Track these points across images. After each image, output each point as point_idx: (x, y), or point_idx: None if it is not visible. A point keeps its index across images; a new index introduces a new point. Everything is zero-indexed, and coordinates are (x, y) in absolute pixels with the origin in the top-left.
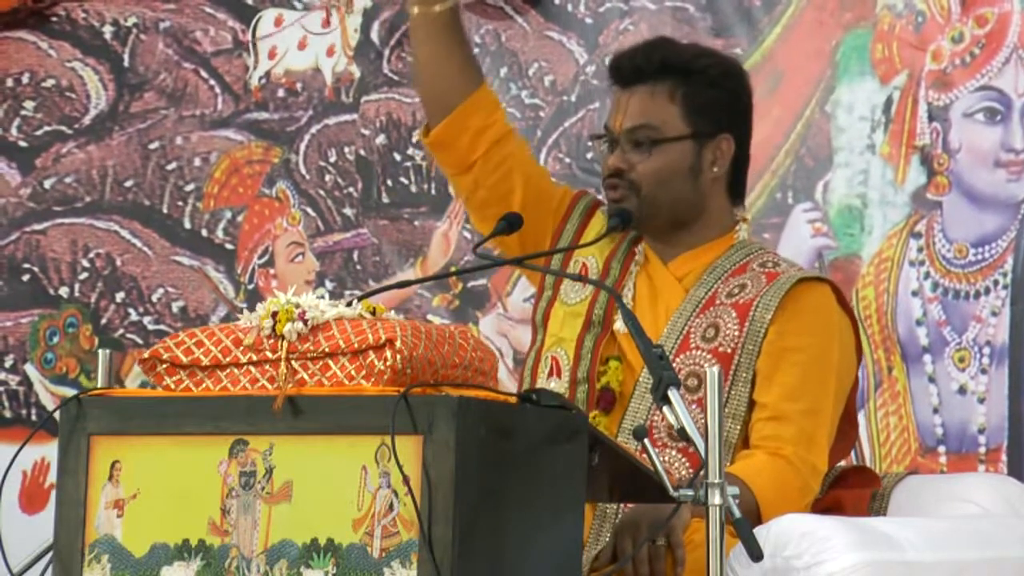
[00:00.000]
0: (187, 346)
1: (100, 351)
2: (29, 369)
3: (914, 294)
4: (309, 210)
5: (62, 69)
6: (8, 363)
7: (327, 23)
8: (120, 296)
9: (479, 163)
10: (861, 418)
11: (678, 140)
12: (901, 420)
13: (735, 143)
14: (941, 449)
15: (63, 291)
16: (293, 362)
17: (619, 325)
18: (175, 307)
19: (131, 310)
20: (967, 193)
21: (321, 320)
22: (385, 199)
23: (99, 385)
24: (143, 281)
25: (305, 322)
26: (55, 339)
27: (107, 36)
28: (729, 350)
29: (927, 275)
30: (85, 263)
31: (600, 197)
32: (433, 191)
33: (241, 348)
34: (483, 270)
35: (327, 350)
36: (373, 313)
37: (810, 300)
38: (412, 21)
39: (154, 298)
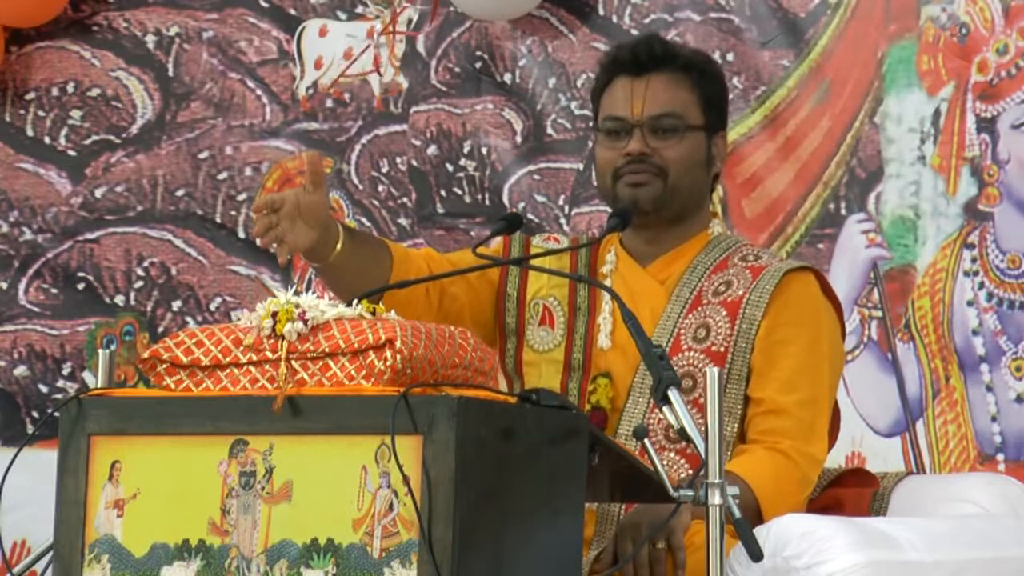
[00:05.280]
0: (187, 346)
1: (100, 351)
2: (87, 377)
3: (969, 304)
4: (364, 220)
5: (107, 79)
6: (66, 371)
7: (371, 34)
8: (177, 305)
9: (421, 312)
10: (919, 426)
11: (697, 130)
12: (960, 428)
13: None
14: (1000, 457)
15: (119, 299)
16: (293, 362)
17: (602, 342)
18: (234, 316)
19: (189, 319)
20: (1018, 204)
21: (321, 320)
22: (440, 209)
23: (99, 385)
24: (200, 290)
25: (305, 322)
26: (112, 347)
27: (150, 46)
28: (722, 349)
29: (981, 285)
30: (140, 272)
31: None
32: (487, 201)
33: (241, 348)
34: (483, 270)
35: (327, 350)
36: (373, 313)
37: (797, 291)
38: (315, 271)
39: (212, 307)
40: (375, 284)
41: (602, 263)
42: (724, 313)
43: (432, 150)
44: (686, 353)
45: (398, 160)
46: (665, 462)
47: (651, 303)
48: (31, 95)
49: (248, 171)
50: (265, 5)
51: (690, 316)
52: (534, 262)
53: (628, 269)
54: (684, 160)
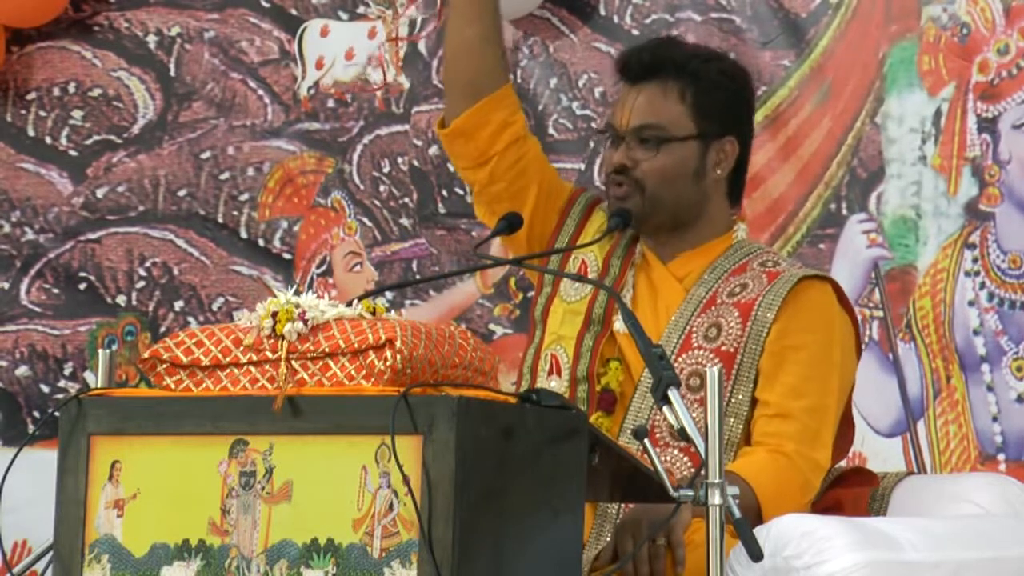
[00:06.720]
0: (187, 346)
1: (100, 351)
2: (89, 377)
3: (970, 304)
4: (365, 220)
5: (108, 79)
6: (67, 371)
7: (373, 34)
8: (179, 305)
9: (496, 158)
10: (920, 426)
11: (685, 140)
12: (960, 428)
13: (739, 145)
14: (1001, 457)
15: (120, 299)
16: (293, 362)
17: (618, 326)
18: (236, 316)
19: (191, 319)
20: (1019, 204)
21: (321, 320)
22: (441, 209)
23: (100, 385)
24: (202, 290)
25: (305, 322)
26: (113, 347)
27: (151, 46)
28: (732, 349)
29: (982, 285)
30: (141, 272)
31: (599, 194)
32: None
33: (241, 348)
34: (482, 270)
35: (327, 350)
36: (373, 313)
37: (811, 298)
38: (453, 3)
39: (214, 307)
40: (483, 77)
41: (633, 252)
42: (736, 314)
43: (434, 150)
44: (696, 351)
45: (399, 160)
46: (669, 459)
47: (668, 300)
48: (32, 95)
49: (250, 171)
50: (266, 5)
51: (703, 315)
52: (533, 262)
53: (651, 265)
54: (662, 172)
